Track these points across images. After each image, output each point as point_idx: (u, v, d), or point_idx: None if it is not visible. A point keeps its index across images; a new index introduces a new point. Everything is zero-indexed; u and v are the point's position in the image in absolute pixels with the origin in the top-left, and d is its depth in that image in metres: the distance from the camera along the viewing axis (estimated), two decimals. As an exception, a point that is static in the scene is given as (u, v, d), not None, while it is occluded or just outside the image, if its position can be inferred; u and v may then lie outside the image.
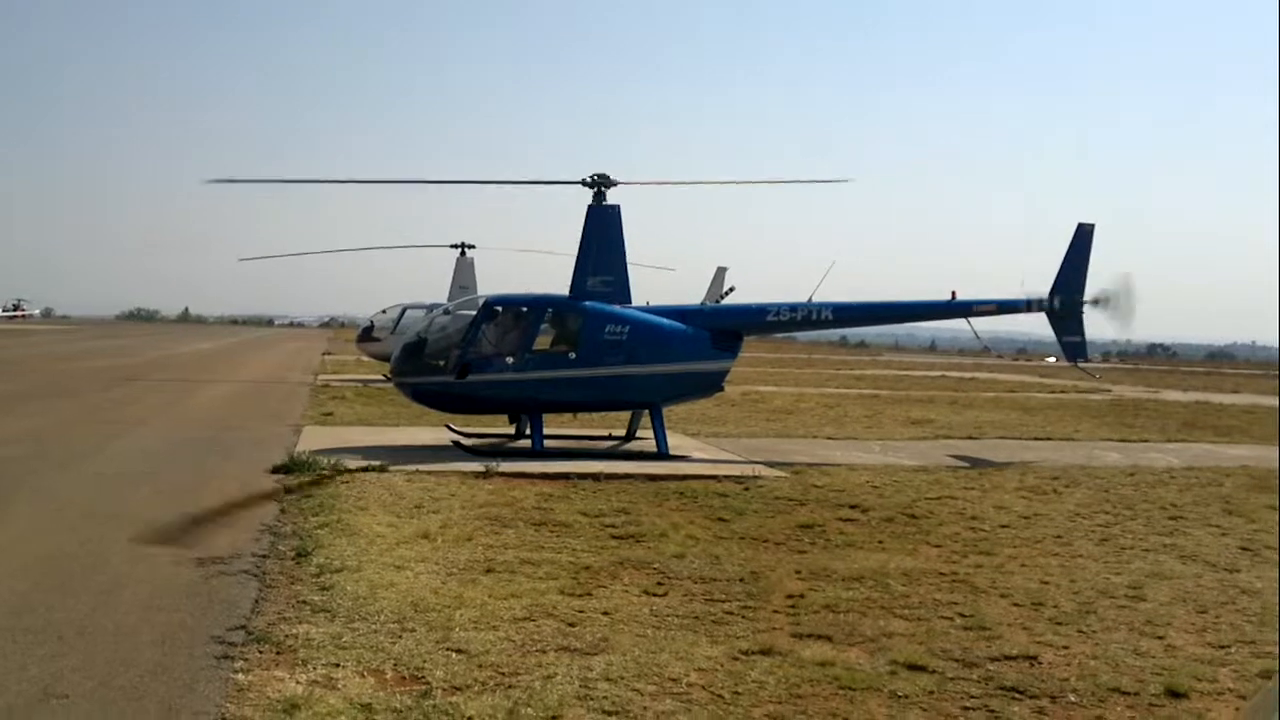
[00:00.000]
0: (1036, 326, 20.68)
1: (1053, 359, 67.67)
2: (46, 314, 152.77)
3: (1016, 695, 6.41)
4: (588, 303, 17.47)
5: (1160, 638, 7.72)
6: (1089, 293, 19.36)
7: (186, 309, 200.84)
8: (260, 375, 37.36)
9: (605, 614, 7.82)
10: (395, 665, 6.50)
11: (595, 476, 14.35)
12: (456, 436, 18.55)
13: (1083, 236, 19.61)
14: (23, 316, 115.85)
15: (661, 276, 35.68)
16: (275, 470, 14.09)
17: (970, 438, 21.92)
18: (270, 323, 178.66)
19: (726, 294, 42.31)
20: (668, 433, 17.64)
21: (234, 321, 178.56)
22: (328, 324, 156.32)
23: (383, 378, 28.54)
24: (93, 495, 12.26)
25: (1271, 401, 38.44)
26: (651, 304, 18.90)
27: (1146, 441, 22.35)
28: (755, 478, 14.90)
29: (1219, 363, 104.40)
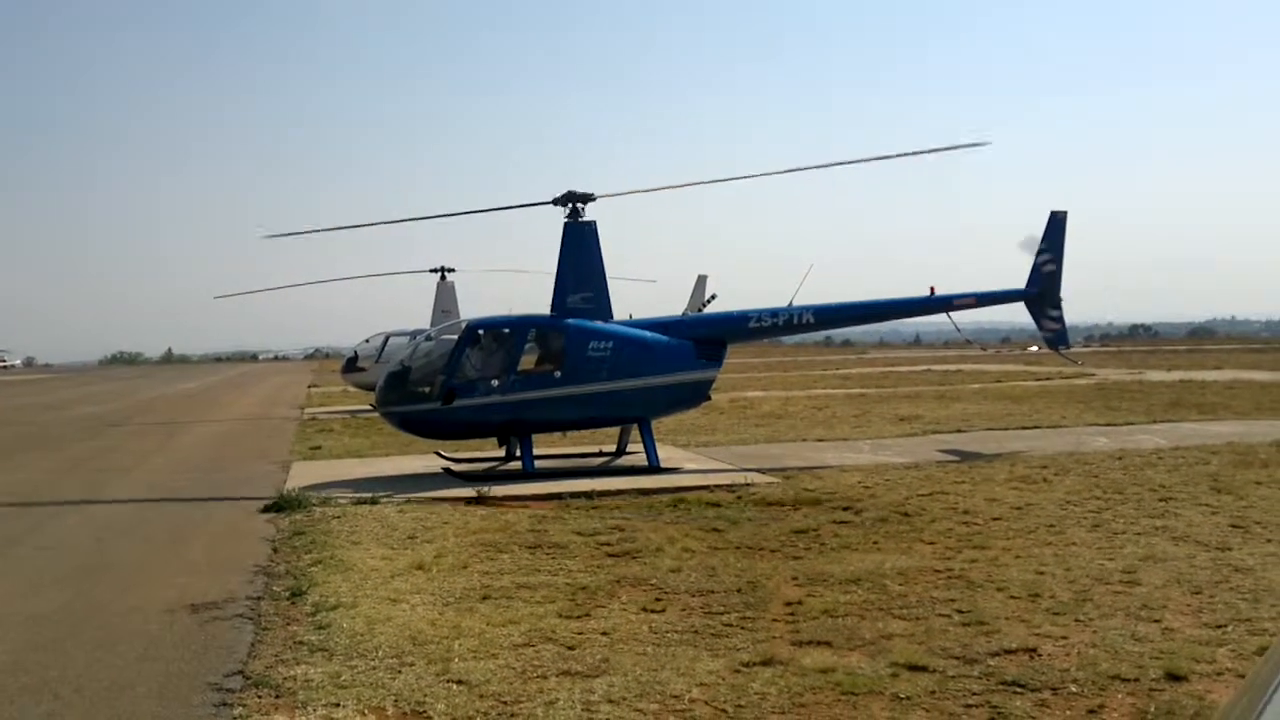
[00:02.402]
0: (1018, 316, 20.78)
1: (1035, 347, 67.91)
2: (28, 363, 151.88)
3: (1018, 689, 6.42)
4: (570, 320, 17.47)
5: (1157, 621, 7.75)
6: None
7: (169, 349, 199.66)
8: (246, 413, 37.21)
9: (604, 634, 7.81)
10: (396, 701, 6.47)
11: (588, 495, 14.34)
12: (446, 463, 18.51)
13: (1057, 224, 19.74)
14: (4, 367, 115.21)
15: (642, 289, 35.65)
16: (265, 509, 14.03)
17: (959, 431, 21.99)
18: (254, 358, 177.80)
19: (708, 303, 42.27)
20: (658, 445, 17.63)
21: (218, 359, 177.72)
22: (312, 356, 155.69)
23: (369, 407, 28.47)
24: (82, 546, 12.17)
25: (1252, 375, 38.68)
26: (634, 317, 18.91)
27: (1133, 424, 22.46)
28: (747, 485, 14.91)
29: (1200, 340, 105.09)
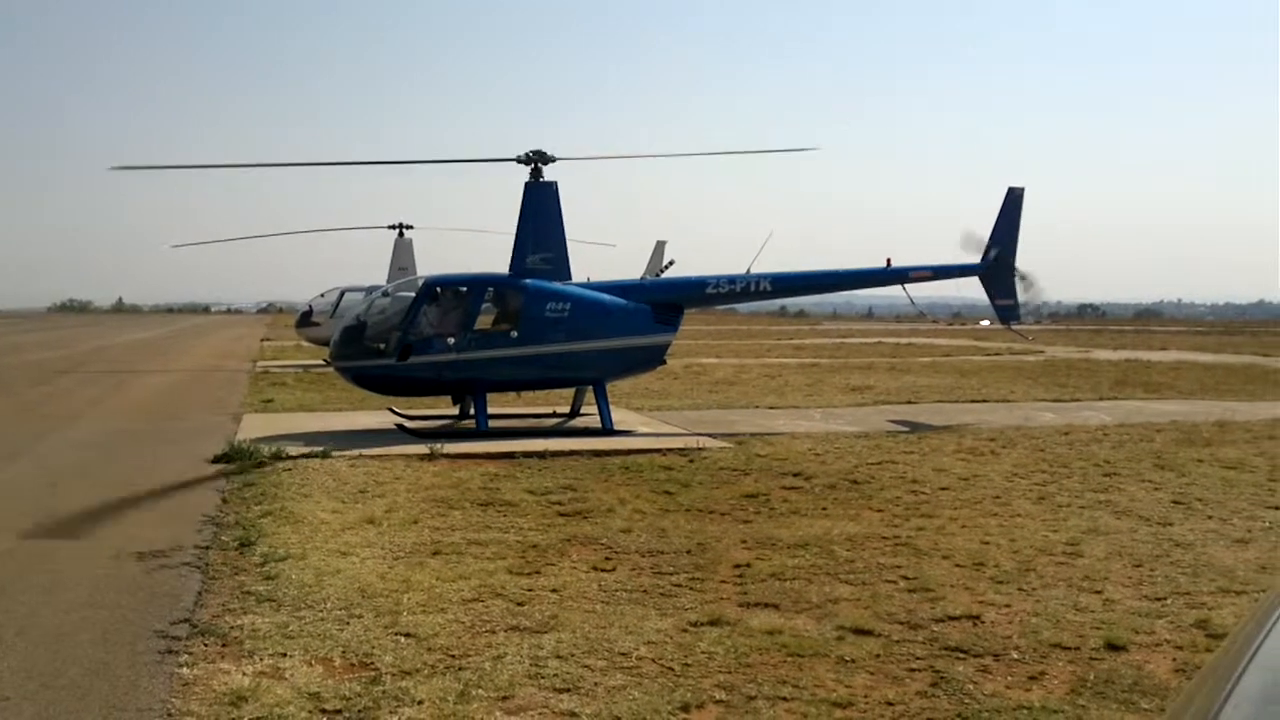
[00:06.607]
0: (971, 290, 20.95)
1: (986, 322, 68.71)
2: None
3: (960, 655, 6.53)
4: (528, 280, 17.39)
5: (1098, 592, 7.90)
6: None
7: (120, 299, 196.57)
8: (198, 364, 36.74)
9: (554, 591, 7.84)
10: (343, 652, 6.46)
11: (540, 455, 14.34)
12: (400, 419, 18.41)
13: (1013, 200, 19.90)
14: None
15: (601, 252, 35.59)
16: (216, 460, 13.90)
17: (909, 402, 22.20)
18: (207, 310, 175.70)
19: (666, 268, 42.26)
20: (612, 408, 17.65)
21: (169, 310, 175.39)
22: (266, 310, 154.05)
23: (323, 362, 28.23)
24: (28, 492, 12.00)
25: (1196, 357, 39.38)
26: (592, 279, 18.87)
27: (1079, 400, 22.78)
28: (699, 449, 14.98)
29: (1147, 320, 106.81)
